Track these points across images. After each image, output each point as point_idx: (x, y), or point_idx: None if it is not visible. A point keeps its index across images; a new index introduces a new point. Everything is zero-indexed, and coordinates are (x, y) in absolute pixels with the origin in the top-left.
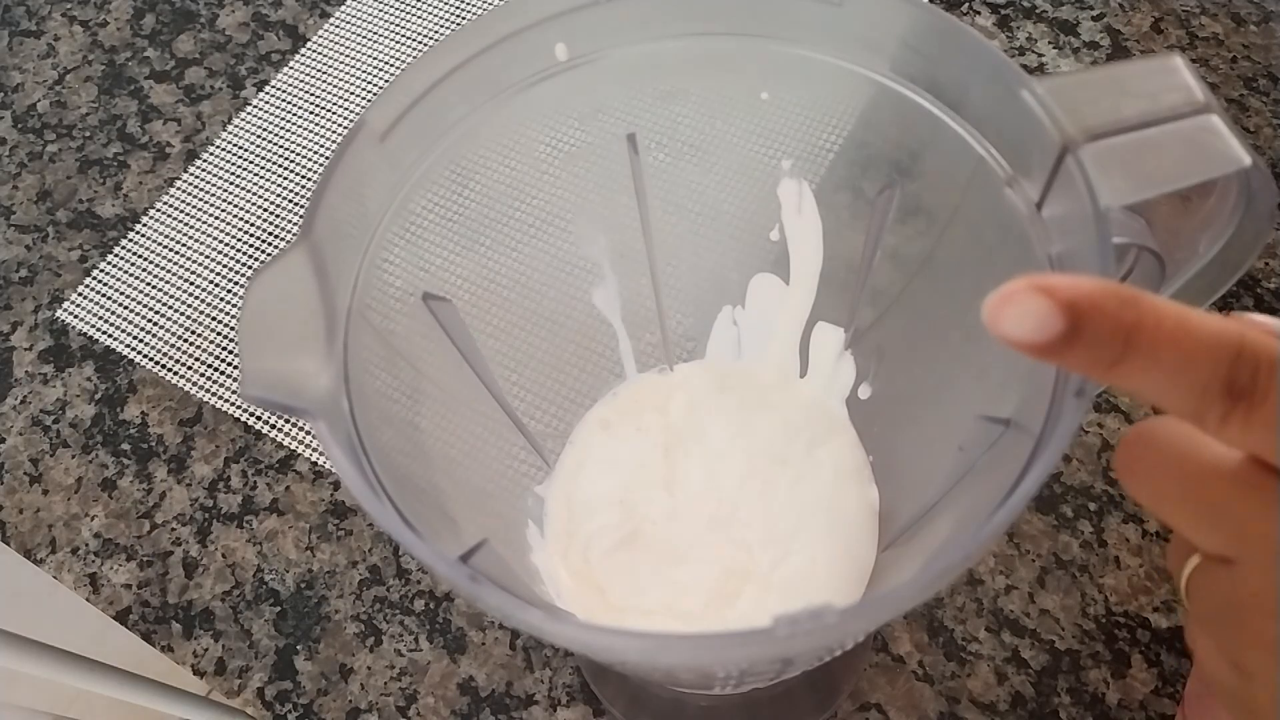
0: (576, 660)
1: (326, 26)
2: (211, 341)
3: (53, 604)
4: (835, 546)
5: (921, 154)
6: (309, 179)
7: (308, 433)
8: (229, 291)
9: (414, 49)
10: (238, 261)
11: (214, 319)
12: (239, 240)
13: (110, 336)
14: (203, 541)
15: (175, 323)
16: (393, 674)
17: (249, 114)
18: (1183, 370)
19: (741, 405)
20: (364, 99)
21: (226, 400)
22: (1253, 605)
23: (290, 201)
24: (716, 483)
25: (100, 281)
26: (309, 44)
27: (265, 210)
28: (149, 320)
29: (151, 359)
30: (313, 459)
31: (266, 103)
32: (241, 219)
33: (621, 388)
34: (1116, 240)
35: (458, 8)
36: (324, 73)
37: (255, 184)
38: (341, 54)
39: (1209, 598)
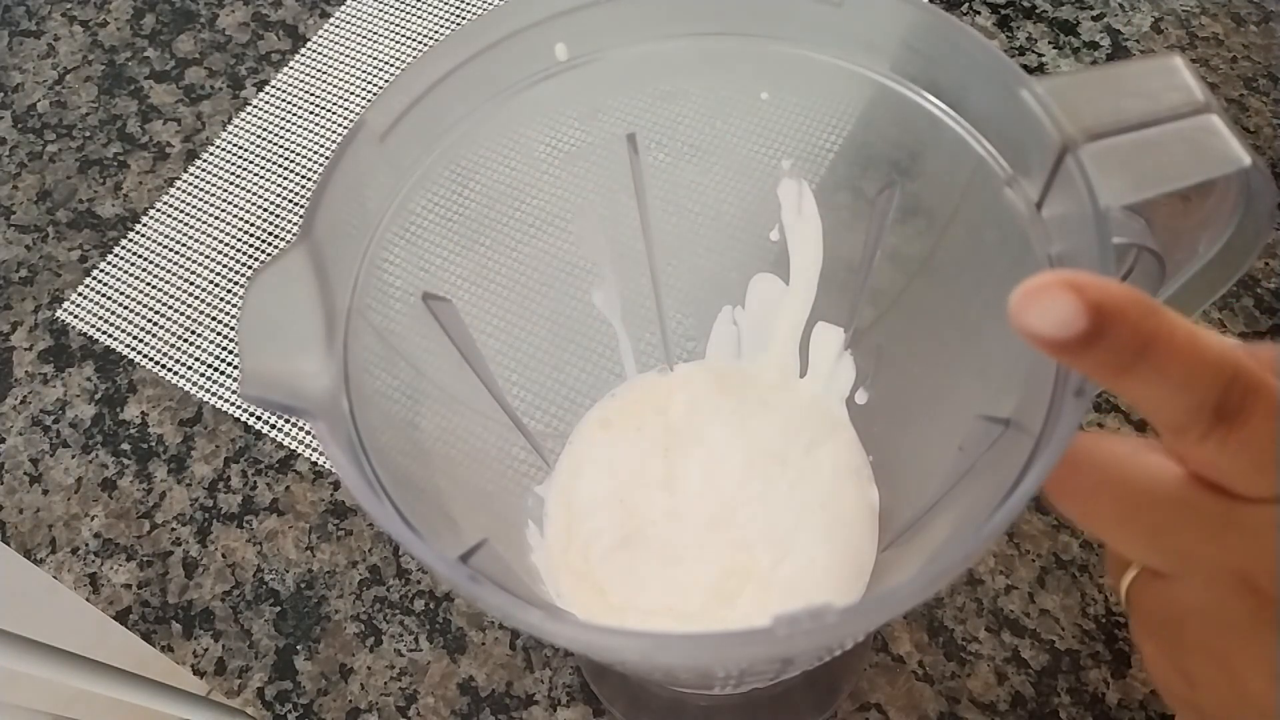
0: (576, 660)
1: (326, 26)
2: (211, 341)
3: (53, 604)
4: (835, 546)
5: (921, 154)
6: (309, 179)
7: (308, 433)
8: (229, 291)
9: (414, 49)
10: (238, 261)
11: (214, 319)
12: (239, 240)
13: (110, 336)
14: (203, 541)
15: (175, 323)
16: (393, 674)
17: (249, 114)
18: (1184, 387)
19: (741, 405)
20: (364, 99)
21: (226, 400)
22: (1194, 618)
23: (290, 201)
24: (716, 483)
25: (100, 281)
26: (309, 44)
27: (265, 210)
28: (149, 320)
29: (151, 359)
30: (313, 459)
31: (266, 103)
32: (241, 219)
33: (621, 388)
34: (1116, 240)
35: (458, 8)
36: (324, 73)
37: (255, 184)
38: (341, 54)
39: (1150, 609)
